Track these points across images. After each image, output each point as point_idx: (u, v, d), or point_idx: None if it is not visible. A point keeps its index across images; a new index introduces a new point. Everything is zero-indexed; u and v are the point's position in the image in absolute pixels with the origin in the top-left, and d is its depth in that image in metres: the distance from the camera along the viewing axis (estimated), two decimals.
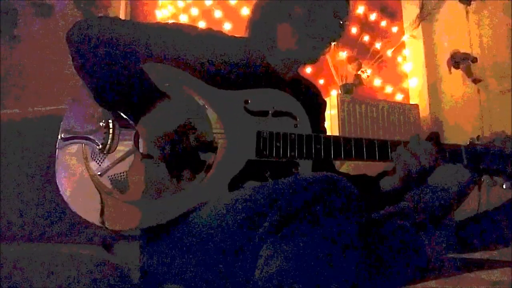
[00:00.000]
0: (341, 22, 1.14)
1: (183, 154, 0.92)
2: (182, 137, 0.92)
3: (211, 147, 0.97)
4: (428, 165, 0.98)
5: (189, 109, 0.97)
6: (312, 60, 1.18)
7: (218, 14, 2.99)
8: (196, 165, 0.95)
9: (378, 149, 1.00)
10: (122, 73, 0.94)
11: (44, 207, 1.36)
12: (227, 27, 2.92)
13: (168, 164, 0.94)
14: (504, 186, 1.00)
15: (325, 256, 0.70)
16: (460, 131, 2.84)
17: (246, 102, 1.02)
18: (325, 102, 1.31)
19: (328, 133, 1.32)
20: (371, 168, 1.15)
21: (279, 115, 1.03)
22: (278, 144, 0.98)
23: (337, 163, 1.67)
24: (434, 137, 1.03)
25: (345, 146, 0.99)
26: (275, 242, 0.73)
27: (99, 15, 2.66)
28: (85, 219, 0.96)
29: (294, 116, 1.03)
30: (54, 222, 1.36)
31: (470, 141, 1.03)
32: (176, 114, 0.94)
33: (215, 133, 0.98)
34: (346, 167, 1.64)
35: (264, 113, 1.02)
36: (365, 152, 0.99)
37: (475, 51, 2.86)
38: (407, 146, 0.99)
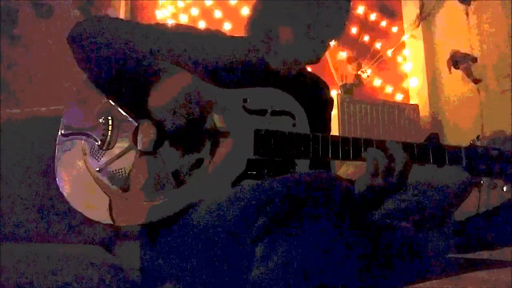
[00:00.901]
0: (342, 22, 1.13)
1: (192, 124, 0.93)
2: (191, 105, 0.93)
3: (218, 130, 0.98)
4: (398, 160, 0.94)
5: (192, 82, 0.98)
6: (312, 62, 1.17)
7: (218, 14, 3.00)
8: (197, 162, 0.95)
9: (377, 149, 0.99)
10: (123, 69, 0.94)
11: (44, 207, 1.36)
12: (227, 27, 2.93)
13: (178, 137, 0.94)
14: (504, 189, 0.99)
15: (321, 255, 0.70)
16: (460, 131, 2.84)
17: (244, 100, 1.02)
18: (331, 100, 1.29)
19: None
20: None
21: (277, 114, 1.02)
22: (276, 142, 0.98)
23: (336, 163, 1.68)
24: (434, 138, 1.02)
25: (343, 146, 0.98)
26: (270, 241, 0.73)
27: (99, 14, 2.67)
28: (84, 216, 0.97)
29: (293, 115, 1.03)
30: (54, 222, 1.36)
31: (470, 143, 1.02)
32: (183, 86, 0.94)
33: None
34: (347, 167, 1.64)
35: (262, 112, 1.02)
36: (363, 153, 0.99)
37: (475, 51, 2.86)
38: (381, 145, 0.96)
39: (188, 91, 0.94)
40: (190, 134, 0.96)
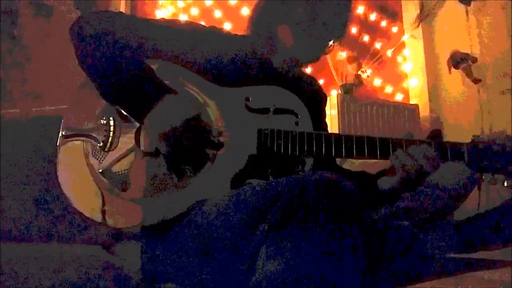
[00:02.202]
0: (343, 22, 1.13)
1: (188, 148, 0.92)
2: (188, 132, 0.92)
3: (215, 142, 0.97)
4: (428, 169, 0.97)
5: (192, 106, 0.98)
6: (312, 61, 1.17)
7: (218, 14, 3.00)
8: (199, 161, 0.95)
9: (380, 147, 1.00)
10: (124, 68, 0.94)
11: (44, 207, 1.36)
12: (227, 27, 2.92)
13: (173, 158, 0.94)
14: (505, 184, 0.99)
15: (323, 256, 0.70)
16: (460, 131, 2.84)
17: (247, 99, 1.02)
18: (325, 96, 1.30)
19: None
20: (371, 165, 1.14)
21: (280, 113, 1.03)
22: (279, 141, 0.98)
23: (338, 161, 1.68)
24: (436, 135, 1.03)
25: (346, 144, 0.99)
26: (274, 242, 0.73)
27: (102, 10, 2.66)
28: (86, 217, 0.96)
29: (295, 113, 1.03)
30: (55, 222, 1.36)
31: (472, 139, 1.02)
32: (181, 109, 0.93)
33: (216, 130, 0.98)
34: (348, 165, 1.64)
35: (265, 111, 1.02)
36: (366, 150, 0.99)
37: (475, 51, 2.86)
38: (407, 150, 0.98)
39: (188, 118, 0.93)
40: (187, 152, 0.96)
